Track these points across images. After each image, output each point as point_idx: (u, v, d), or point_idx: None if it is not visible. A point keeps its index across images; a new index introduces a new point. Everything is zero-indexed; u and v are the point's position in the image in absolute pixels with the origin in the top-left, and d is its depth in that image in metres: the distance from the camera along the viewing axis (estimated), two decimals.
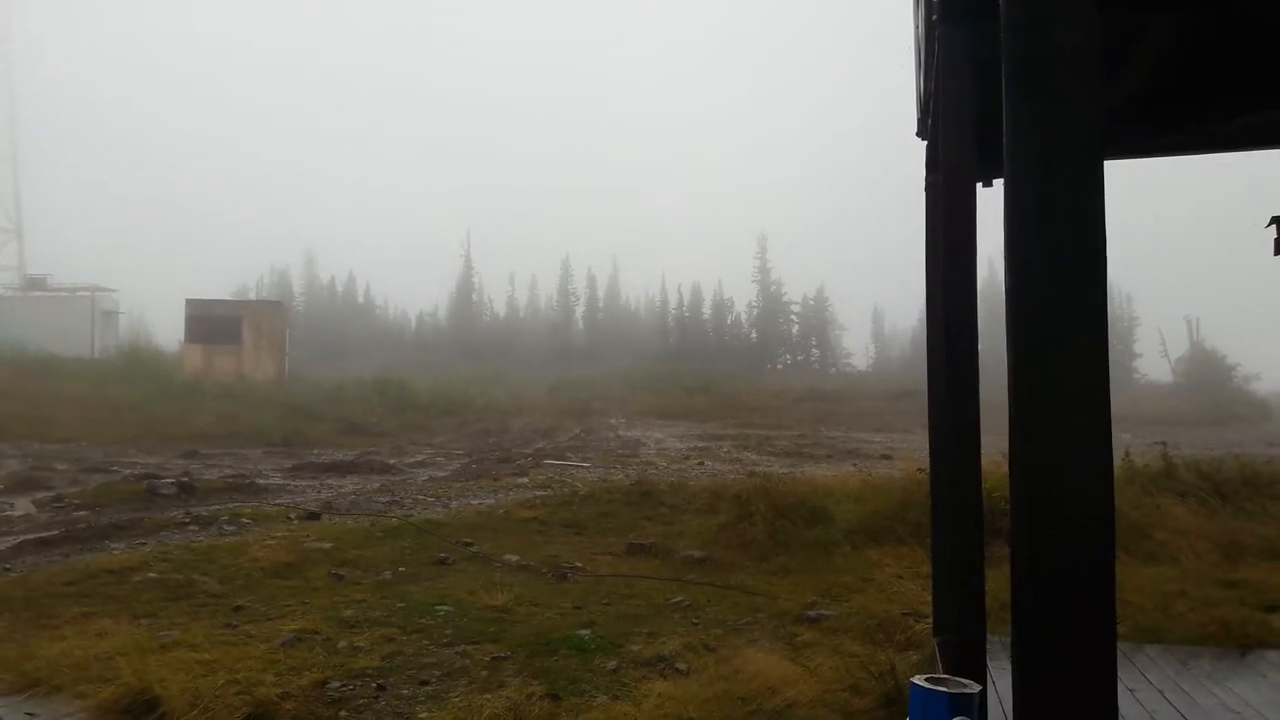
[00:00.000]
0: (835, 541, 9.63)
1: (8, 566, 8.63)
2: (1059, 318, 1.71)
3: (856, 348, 74.91)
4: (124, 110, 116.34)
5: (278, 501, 13.05)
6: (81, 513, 11.77)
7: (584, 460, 20.49)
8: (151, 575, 8.01)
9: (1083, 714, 1.65)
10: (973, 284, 3.89)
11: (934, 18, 3.91)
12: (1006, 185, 1.80)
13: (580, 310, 76.85)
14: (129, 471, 16.06)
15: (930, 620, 5.74)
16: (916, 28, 5.48)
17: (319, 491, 14.47)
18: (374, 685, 5.53)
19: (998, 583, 3.91)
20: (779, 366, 70.32)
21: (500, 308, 76.33)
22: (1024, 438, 1.73)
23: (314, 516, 11.59)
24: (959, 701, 2.74)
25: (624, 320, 76.31)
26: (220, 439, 21.97)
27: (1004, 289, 1.85)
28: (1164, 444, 11.63)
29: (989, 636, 3.86)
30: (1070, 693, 1.63)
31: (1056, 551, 1.67)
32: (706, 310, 75.12)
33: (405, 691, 5.48)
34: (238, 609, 7.14)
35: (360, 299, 74.13)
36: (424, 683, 5.63)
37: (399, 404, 31.88)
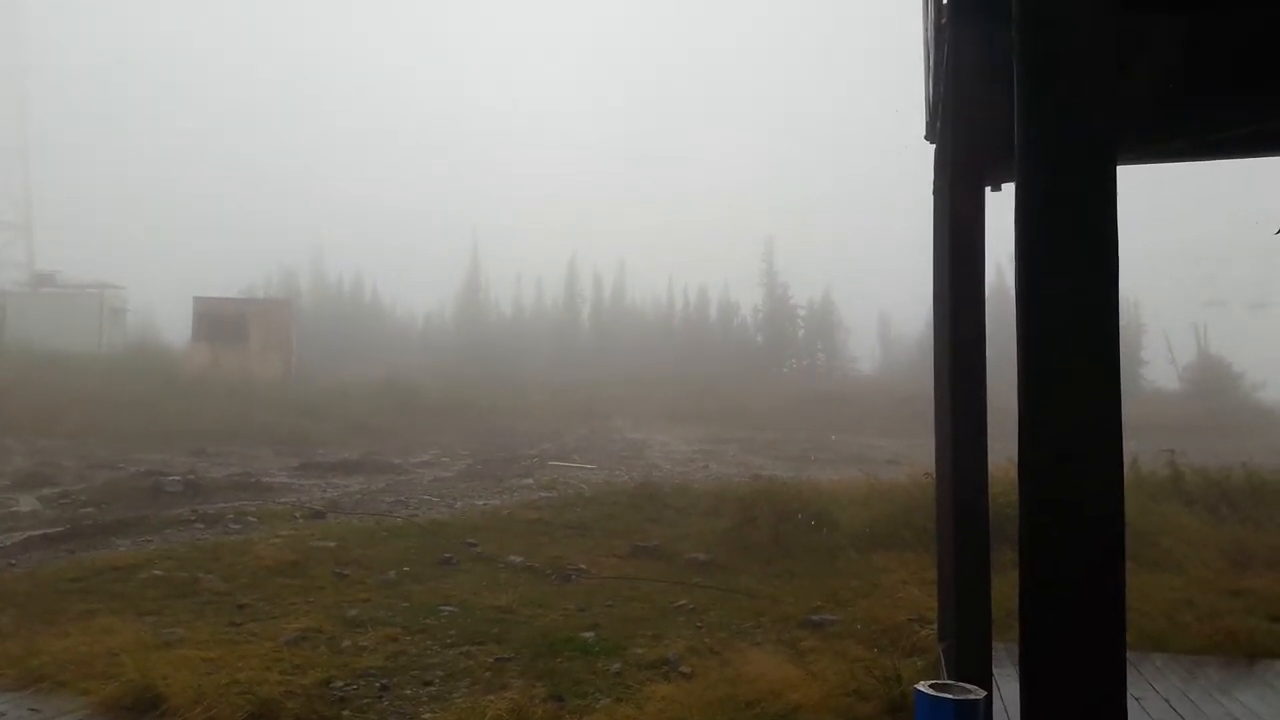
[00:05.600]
0: (840, 546, 9.60)
1: (14, 562, 8.66)
2: (1070, 322, 1.69)
3: (862, 352, 74.43)
4: (135, 108, 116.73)
5: (283, 500, 13.06)
6: (87, 509, 11.80)
7: (589, 462, 20.48)
8: (157, 573, 8.03)
9: None
10: (980, 288, 3.88)
11: (943, 20, 3.90)
12: (1018, 187, 1.78)
13: (586, 312, 76.80)
14: (135, 469, 16.08)
15: (935, 626, 5.72)
16: (926, 30, 5.47)
17: (324, 491, 14.48)
18: (377, 685, 5.53)
19: (1002, 589, 3.89)
20: (785, 370, 70.12)
21: (506, 308, 76.26)
22: (1034, 443, 1.71)
23: (319, 515, 11.61)
24: (964, 708, 2.72)
25: (630, 322, 76.15)
26: (226, 437, 21.98)
27: (1013, 293, 1.84)
28: (1171, 451, 11.57)
29: (994, 643, 3.84)
30: (1079, 701, 1.61)
31: (1066, 558, 1.65)
32: (713, 312, 75.01)
33: (408, 692, 5.48)
34: (242, 607, 7.15)
35: (368, 298, 74.16)
36: (427, 683, 5.63)
37: (405, 404, 31.84)
